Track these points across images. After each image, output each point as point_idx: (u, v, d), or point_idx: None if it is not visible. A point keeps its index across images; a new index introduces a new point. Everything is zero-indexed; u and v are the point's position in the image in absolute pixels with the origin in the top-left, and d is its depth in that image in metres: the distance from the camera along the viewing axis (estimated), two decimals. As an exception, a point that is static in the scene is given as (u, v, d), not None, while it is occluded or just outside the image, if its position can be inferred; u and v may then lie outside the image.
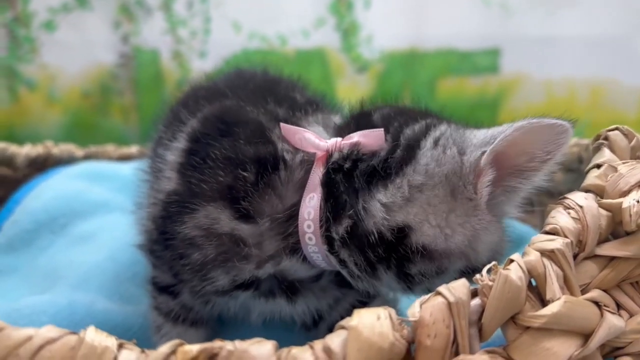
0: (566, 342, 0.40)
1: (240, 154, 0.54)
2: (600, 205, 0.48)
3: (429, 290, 0.41)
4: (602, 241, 0.47)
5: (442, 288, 0.39)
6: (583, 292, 0.44)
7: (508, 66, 1.51)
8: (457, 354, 0.37)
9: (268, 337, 0.37)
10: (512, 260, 0.42)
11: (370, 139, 0.53)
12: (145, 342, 0.67)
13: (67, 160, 1.17)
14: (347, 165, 0.53)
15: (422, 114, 0.57)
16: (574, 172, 0.90)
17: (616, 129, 0.58)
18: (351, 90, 1.51)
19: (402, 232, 0.50)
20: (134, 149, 1.26)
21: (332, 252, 0.53)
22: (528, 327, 0.40)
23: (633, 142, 0.57)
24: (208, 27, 1.50)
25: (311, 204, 0.53)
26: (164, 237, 0.57)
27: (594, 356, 0.42)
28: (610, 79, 1.47)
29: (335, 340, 0.36)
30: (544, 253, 0.42)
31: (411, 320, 0.37)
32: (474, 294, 0.40)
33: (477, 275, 0.41)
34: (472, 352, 0.38)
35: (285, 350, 0.36)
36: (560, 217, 0.46)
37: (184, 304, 0.64)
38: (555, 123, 0.47)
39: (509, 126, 0.48)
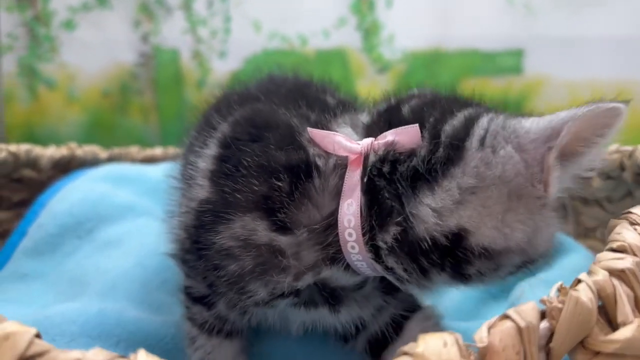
0: (639, 368, 0.38)
1: (272, 161, 0.52)
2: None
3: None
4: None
5: (511, 312, 0.37)
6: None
7: (531, 67, 1.48)
8: (526, 381, 0.35)
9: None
10: (580, 281, 0.40)
11: (405, 136, 0.51)
12: (179, 354, 0.66)
13: (91, 162, 1.16)
14: (386, 169, 0.51)
15: (455, 104, 0.54)
16: (614, 179, 0.87)
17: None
18: (371, 91, 1.49)
19: (458, 236, 0.48)
20: (157, 151, 1.25)
21: (379, 261, 0.51)
22: (598, 352, 0.38)
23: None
24: (228, 26, 1.49)
25: (350, 211, 0.51)
26: (197, 246, 0.55)
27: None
28: (636, 80, 1.44)
29: (400, 367, 0.34)
30: (613, 272, 0.40)
31: (479, 346, 0.36)
32: (542, 316, 0.38)
33: (544, 297, 0.39)
34: (542, 379, 0.36)
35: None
36: (626, 234, 0.44)
37: (219, 315, 0.63)
38: (613, 107, 0.46)
39: (570, 115, 0.46)
